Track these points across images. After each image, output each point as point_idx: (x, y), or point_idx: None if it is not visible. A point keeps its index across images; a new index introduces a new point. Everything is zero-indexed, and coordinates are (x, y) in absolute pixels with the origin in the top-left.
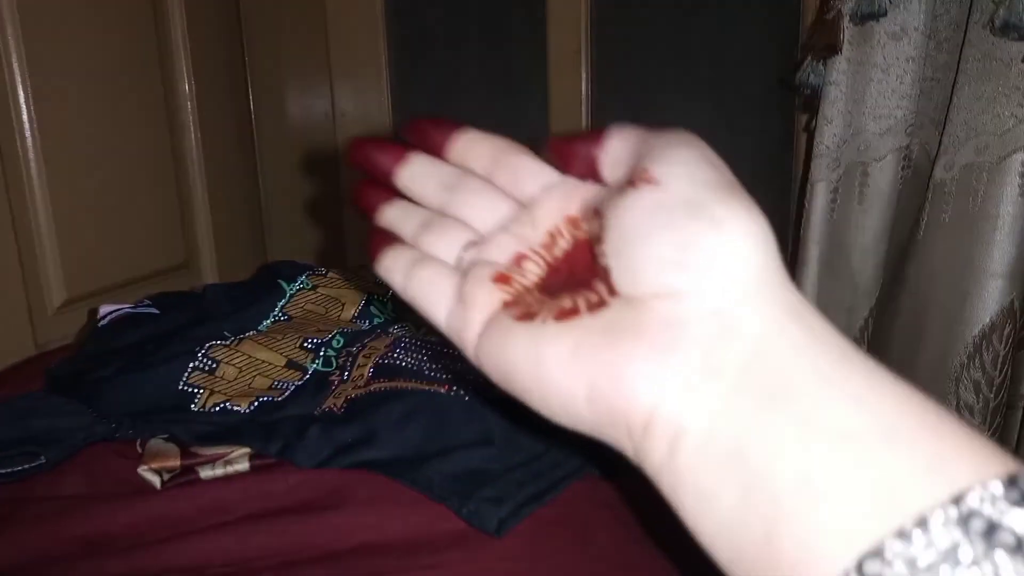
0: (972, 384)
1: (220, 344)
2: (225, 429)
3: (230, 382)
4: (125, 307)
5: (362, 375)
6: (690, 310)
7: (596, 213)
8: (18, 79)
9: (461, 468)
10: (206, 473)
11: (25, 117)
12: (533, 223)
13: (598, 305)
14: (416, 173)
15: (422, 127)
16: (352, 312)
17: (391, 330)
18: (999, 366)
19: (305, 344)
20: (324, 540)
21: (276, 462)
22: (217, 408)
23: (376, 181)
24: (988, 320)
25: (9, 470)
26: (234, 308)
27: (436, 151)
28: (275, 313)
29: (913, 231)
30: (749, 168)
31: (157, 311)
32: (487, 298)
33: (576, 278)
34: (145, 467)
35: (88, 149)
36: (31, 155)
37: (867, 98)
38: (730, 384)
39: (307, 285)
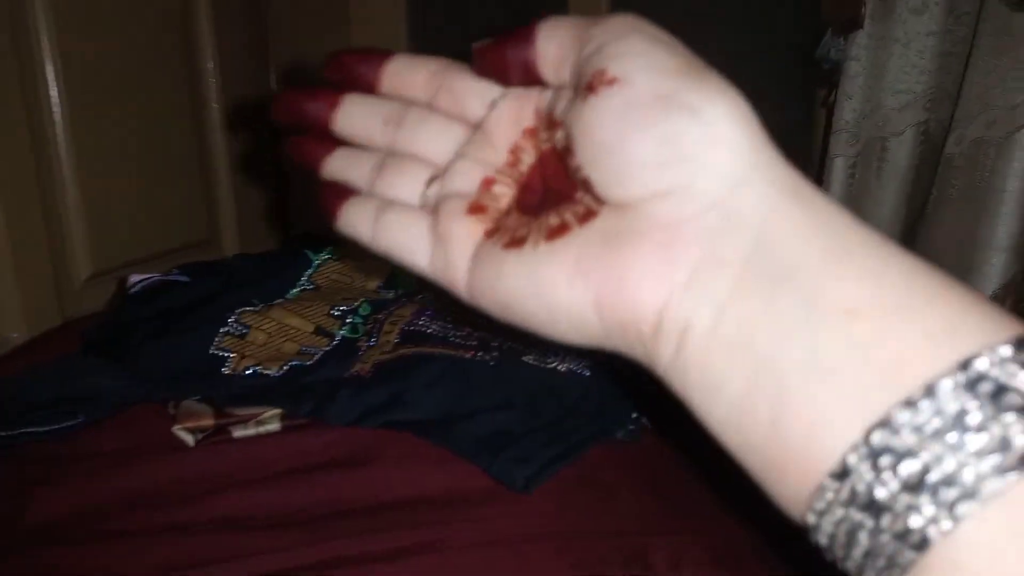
0: None
1: (250, 310)
2: (257, 391)
3: (260, 346)
4: (155, 276)
5: (389, 341)
6: (686, 206)
7: (554, 121)
8: (47, 56)
9: (487, 429)
10: (239, 433)
11: (54, 94)
12: (491, 144)
13: (587, 216)
14: (353, 114)
15: (346, 62)
16: (377, 282)
17: (416, 298)
18: None
19: (333, 312)
20: (362, 494)
21: (308, 422)
22: (248, 371)
23: (313, 134)
24: (991, 293)
25: (48, 428)
26: (263, 276)
27: (368, 87)
28: (302, 282)
29: (924, 206)
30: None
31: (187, 279)
32: (466, 232)
33: (554, 191)
34: (180, 427)
35: (115, 126)
36: (59, 131)
37: (887, 73)
38: (735, 274)
39: (333, 255)
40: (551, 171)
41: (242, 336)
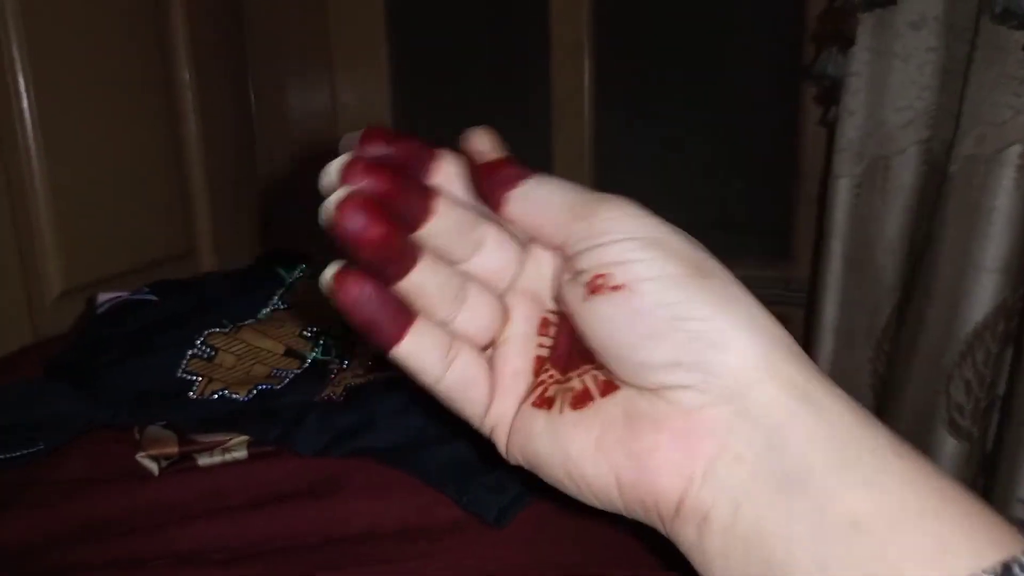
0: (963, 384)
1: (219, 332)
2: (223, 416)
3: (228, 370)
4: (123, 294)
5: (363, 363)
6: (703, 397)
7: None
8: (18, 66)
9: (461, 456)
10: (204, 460)
11: (25, 104)
12: (536, 270)
13: (609, 388)
14: (424, 274)
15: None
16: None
17: None
18: (991, 365)
19: (304, 332)
20: (320, 527)
21: (274, 450)
22: (216, 396)
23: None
24: (981, 317)
25: (8, 456)
26: (233, 296)
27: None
28: (274, 302)
29: (927, 226)
30: (751, 158)
31: (155, 298)
32: (517, 390)
33: (579, 349)
34: (143, 454)
35: (88, 137)
36: (31, 143)
37: (888, 89)
38: (750, 470)
39: (306, 273)
40: (574, 331)
41: (210, 359)
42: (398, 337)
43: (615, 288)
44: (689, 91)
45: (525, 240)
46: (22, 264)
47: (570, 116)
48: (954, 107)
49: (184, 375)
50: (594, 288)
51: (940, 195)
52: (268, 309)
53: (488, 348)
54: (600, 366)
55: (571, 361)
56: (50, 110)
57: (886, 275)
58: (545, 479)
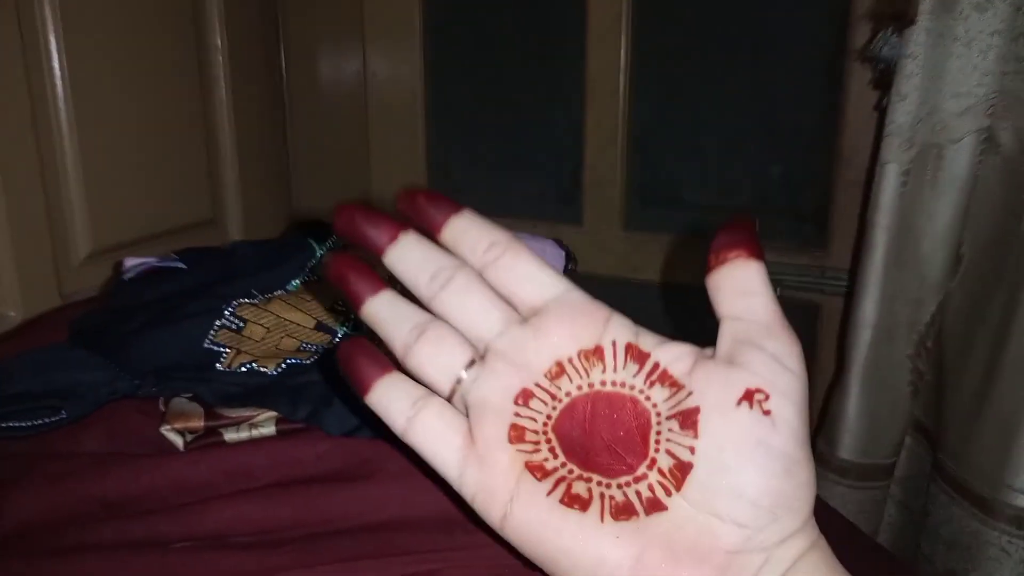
0: None
1: (248, 303)
2: (251, 390)
3: (257, 342)
4: (151, 260)
5: None
6: (750, 543)
7: (656, 371)
8: (50, 29)
9: None
10: (231, 436)
11: (56, 67)
12: (535, 346)
13: (655, 506)
14: (406, 257)
15: (417, 201)
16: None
17: None
18: None
19: (336, 306)
20: (353, 512)
21: (304, 427)
22: (244, 368)
23: (357, 256)
24: None
25: (29, 423)
26: (263, 266)
27: (430, 231)
28: (304, 273)
29: (1011, 222)
30: (791, 142)
31: (184, 266)
32: (508, 462)
33: (604, 441)
34: (168, 427)
35: (118, 101)
36: (61, 106)
37: (946, 74)
38: None
39: (338, 245)
40: (614, 418)
41: (239, 330)
42: (368, 387)
43: (763, 410)
44: (728, 71)
45: (527, 313)
46: (50, 225)
47: (604, 94)
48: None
49: (212, 346)
50: (746, 396)
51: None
52: (298, 281)
53: (451, 398)
54: (640, 474)
55: (591, 448)
56: (81, 73)
57: (931, 270)
58: (539, 562)
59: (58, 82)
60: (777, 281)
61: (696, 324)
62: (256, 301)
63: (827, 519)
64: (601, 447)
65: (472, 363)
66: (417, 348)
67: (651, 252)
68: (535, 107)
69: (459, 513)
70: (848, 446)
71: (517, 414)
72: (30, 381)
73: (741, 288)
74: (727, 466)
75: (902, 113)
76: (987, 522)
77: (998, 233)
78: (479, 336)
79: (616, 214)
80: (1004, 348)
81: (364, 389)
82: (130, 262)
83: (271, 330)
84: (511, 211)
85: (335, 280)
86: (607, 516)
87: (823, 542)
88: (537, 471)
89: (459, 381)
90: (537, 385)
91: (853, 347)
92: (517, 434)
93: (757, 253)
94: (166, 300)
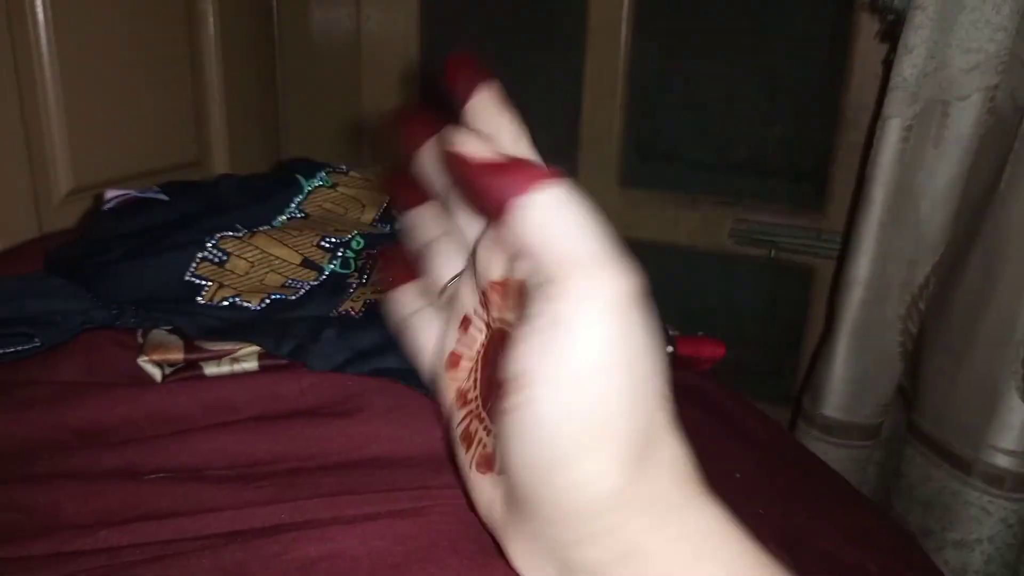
0: None
1: (232, 236)
2: (234, 325)
3: (240, 276)
4: (132, 192)
5: (384, 278)
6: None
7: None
8: None
9: None
10: (211, 370)
11: (39, 2)
12: (482, 267)
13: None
14: (426, 162)
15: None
16: (373, 214)
17: None
18: None
19: (323, 243)
20: (336, 448)
21: (287, 363)
22: (226, 303)
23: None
24: None
25: (2, 351)
26: (248, 200)
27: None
28: (291, 209)
29: (993, 183)
30: (793, 100)
31: (166, 198)
32: (448, 385)
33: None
34: (146, 358)
35: (102, 37)
36: (43, 41)
37: (957, 28)
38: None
39: (327, 183)
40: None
41: (221, 263)
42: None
43: (518, 401)
44: (731, 25)
45: None
46: (30, 160)
47: (606, 45)
48: None
49: (193, 279)
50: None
51: (1015, 152)
52: (285, 216)
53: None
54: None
55: (489, 393)
56: (63, 8)
57: (930, 230)
58: None
59: (39, 17)
60: (771, 242)
61: (691, 284)
62: (240, 235)
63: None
64: (498, 388)
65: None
66: (428, 255)
67: (647, 209)
68: (533, 58)
69: (447, 453)
70: (832, 404)
71: (458, 340)
72: (2, 308)
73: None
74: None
75: (908, 66)
76: (967, 482)
77: (980, 192)
78: (469, 245)
79: (612, 169)
80: (985, 308)
81: (387, 286)
82: (111, 193)
83: (255, 264)
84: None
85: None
86: (473, 464)
87: None
88: (460, 399)
89: (443, 291)
90: (475, 311)
91: (843, 305)
92: (453, 361)
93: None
94: (147, 231)
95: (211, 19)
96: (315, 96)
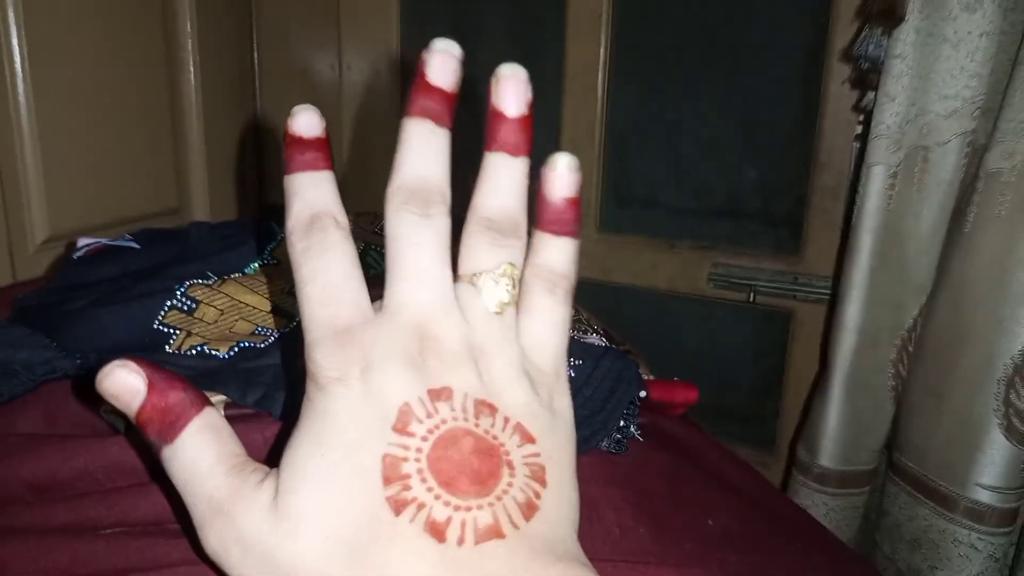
0: None
1: (201, 283)
2: (201, 374)
3: (209, 324)
4: (104, 240)
5: None
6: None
7: None
8: (9, 9)
9: None
10: None
11: (16, 47)
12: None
13: None
14: None
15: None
16: None
17: None
18: None
19: (294, 290)
20: None
21: (253, 413)
22: (194, 351)
23: None
24: None
25: None
26: (220, 248)
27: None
28: (264, 256)
29: (960, 223)
30: (768, 145)
31: (137, 246)
32: None
33: None
34: (108, 409)
35: (81, 83)
36: (20, 84)
37: (934, 75)
38: None
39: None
40: None
41: (190, 311)
42: None
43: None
44: (707, 73)
45: None
46: (5, 207)
47: (583, 91)
48: (992, 101)
49: (161, 327)
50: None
51: (979, 193)
52: (256, 264)
53: None
54: None
55: None
56: (41, 54)
57: (917, 273)
58: None
59: (16, 63)
60: (749, 286)
61: (671, 328)
62: (210, 282)
63: (808, 526)
64: None
65: None
66: None
67: (626, 254)
68: None
69: None
70: (828, 453)
71: None
72: None
73: None
74: None
75: (890, 114)
76: (953, 520)
77: (950, 235)
78: None
79: (591, 215)
80: (962, 347)
81: None
82: (82, 241)
83: (225, 312)
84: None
85: None
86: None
87: None
88: None
89: None
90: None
91: (837, 353)
92: None
93: None
94: (116, 280)
95: (192, 67)
96: None
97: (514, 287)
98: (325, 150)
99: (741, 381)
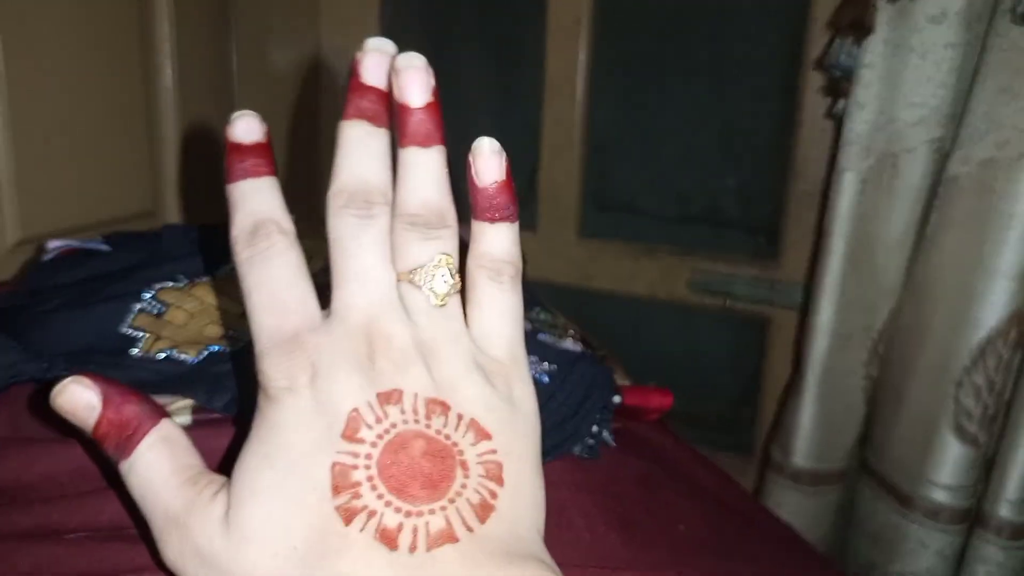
0: (973, 389)
1: (171, 286)
2: (168, 378)
3: (179, 327)
4: (74, 242)
5: None
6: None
7: None
8: None
9: None
10: None
11: None
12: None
13: None
14: None
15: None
16: (319, 264)
17: None
18: (1002, 372)
19: None
20: None
21: (221, 417)
22: (162, 355)
23: None
24: (995, 323)
25: None
26: (192, 251)
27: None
28: None
29: (922, 227)
30: (745, 153)
31: (108, 248)
32: None
33: None
34: None
35: (55, 83)
36: None
37: (902, 84)
38: None
39: None
40: None
41: (159, 315)
42: None
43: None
44: (686, 80)
45: None
46: None
47: (563, 97)
48: (955, 109)
49: (128, 330)
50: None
51: (939, 198)
52: (229, 266)
53: None
54: None
55: None
56: (15, 53)
57: (886, 276)
58: None
59: None
60: (727, 293)
61: (650, 334)
62: (181, 285)
63: (780, 533)
64: None
65: None
66: None
67: (606, 260)
68: (491, 108)
69: None
70: (802, 452)
71: None
72: None
73: None
74: None
75: (860, 122)
76: (907, 515)
77: (917, 239)
78: None
79: (571, 220)
80: (920, 347)
81: None
82: (53, 244)
83: (195, 315)
84: (462, 216)
85: None
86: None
87: None
88: None
89: None
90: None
91: (809, 355)
92: None
93: None
94: (85, 282)
95: (168, 69)
96: (275, 139)
97: (452, 276)
98: (266, 155)
99: (719, 387)
